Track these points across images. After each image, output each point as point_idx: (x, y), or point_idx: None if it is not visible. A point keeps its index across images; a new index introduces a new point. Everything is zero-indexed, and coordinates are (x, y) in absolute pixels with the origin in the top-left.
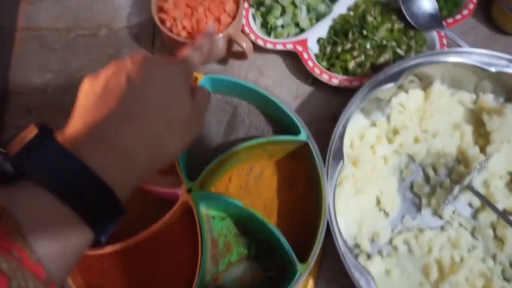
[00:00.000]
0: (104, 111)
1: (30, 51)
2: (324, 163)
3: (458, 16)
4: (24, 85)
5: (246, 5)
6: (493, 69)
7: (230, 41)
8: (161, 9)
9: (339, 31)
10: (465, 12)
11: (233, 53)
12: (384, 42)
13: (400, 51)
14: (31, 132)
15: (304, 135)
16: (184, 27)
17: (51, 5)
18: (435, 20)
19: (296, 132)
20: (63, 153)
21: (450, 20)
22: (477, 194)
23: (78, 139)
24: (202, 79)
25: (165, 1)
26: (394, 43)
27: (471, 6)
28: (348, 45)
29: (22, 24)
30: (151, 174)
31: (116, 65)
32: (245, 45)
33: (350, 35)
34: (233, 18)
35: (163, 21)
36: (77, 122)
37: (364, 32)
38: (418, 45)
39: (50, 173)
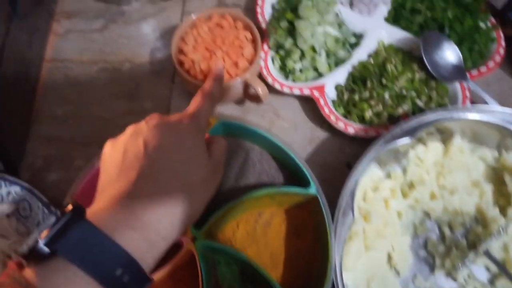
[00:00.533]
0: (125, 183)
1: (55, 82)
2: (333, 217)
3: (483, 68)
4: (47, 115)
5: (265, 47)
6: None
7: (246, 85)
8: (181, 51)
9: (358, 78)
10: (491, 64)
11: (250, 96)
12: (404, 92)
13: (420, 103)
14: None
15: (313, 189)
16: (201, 70)
17: (78, 38)
18: (459, 72)
19: (306, 184)
20: (97, 234)
21: (474, 72)
22: (494, 261)
23: (106, 217)
24: (215, 124)
25: (185, 44)
26: (414, 94)
27: (498, 58)
28: (366, 94)
29: (49, 55)
30: (176, 238)
31: (133, 130)
32: (261, 90)
33: (368, 83)
34: (251, 62)
35: (181, 63)
36: (103, 197)
37: (384, 81)
38: (439, 96)
39: (85, 255)
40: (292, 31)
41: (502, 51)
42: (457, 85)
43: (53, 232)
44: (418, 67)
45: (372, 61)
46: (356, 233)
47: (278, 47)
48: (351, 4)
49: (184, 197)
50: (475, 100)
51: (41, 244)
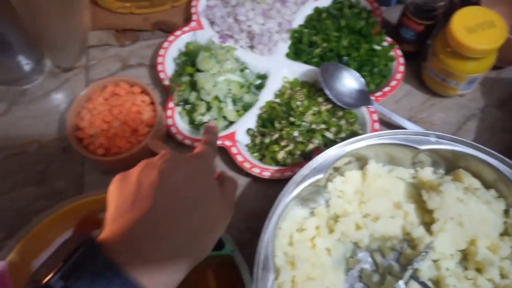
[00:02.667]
0: (140, 212)
1: None
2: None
3: (387, 89)
4: None
5: (171, 104)
6: (422, 147)
7: (150, 150)
8: (77, 127)
9: (266, 120)
10: (394, 83)
11: None
12: (313, 126)
13: (329, 134)
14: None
15: (228, 249)
16: (101, 144)
17: None
18: (363, 97)
19: (221, 246)
20: (111, 268)
21: (378, 94)
22: (422, 284)
23: (119, 249)
24: None
25: (81, 119)
26: (323, 126)
27: (399, 75)
28: (276, 135)
29: None
30: (186, 272)
31: (147, 164)
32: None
33: (276, 124)
34: (151, 126)
35: (80, 139)
36: (115, 226)
37: (291, 119)
38: (348, 124)
39: None
40: (195, 84)
41: (402, 68)
42: (364, 110)
43: (67, 266)
44: (324, 98)
45: (278, 100)
46: (284, 284)
47: (184, 102)
48: (251, 47)
49: (200, 228)
50: (386, 119)
51: (54, 279)
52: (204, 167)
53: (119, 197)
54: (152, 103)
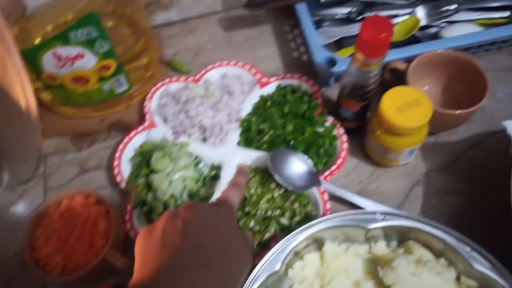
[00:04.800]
0: (168, 256)
1: None
2: None
3: (334, 167)
4: None
5: (129, 207)
6: (371, 226)
7: (107, 262)
8: (33, 248)
9: None
10: (339, 161)
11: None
12: (269, 213)
13: (284, 221)
14: None
15: None
16: (57, 263)
17: None
18: (312, 178)
19: None
20: None
21: (327, 173)
22: None
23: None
24: None
25: (37, 240)
26: (277, 212)
27: (343, 153)
28: None
29: None
30: None
31: (171, 214)
32: (121, 264)
33: None
34: (108, 236)
35: (37, 260)
36: (145, 270)
37: (247, 209)
38: (302, 206)
39: None
40: (151, 185)
41: (345, 145)
42: (315, 191)
43: None
44: (276, 184)
45: None
46: None
47: (141, 204)
48: (204, 139)
49: (225, 272)
50: (339, 195)
51: None
52: (227, 215)
53: (146, 247)
54: (107, 212)
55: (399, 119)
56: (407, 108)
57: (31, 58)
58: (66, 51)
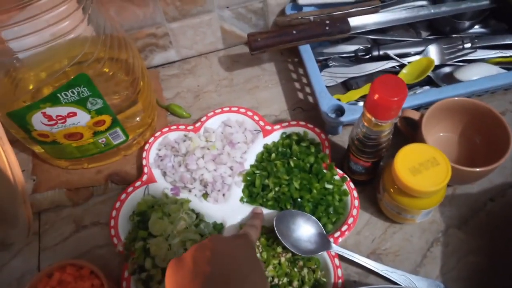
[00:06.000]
0: (200, 281)
1: None
2: None
3: (345, 227)
4: None
5: (126, 274)
6: None
7: None
8: None
9: None
10: (350, 220)
11: None
12: (275, 281)
13: None
14: None
15: None
16: None
17: None
18: (322, 240)
19: None
20: None
21: (337, 235)
22: None
23: None
24: None
25: None
26: (285, 280)
27: (355, 211)
28: None
29: None
30: None
31: (199, 246)
32: None
33: None
34: None
35: None
36: None
37: None
38: (310, 272)
39: None
40: (149, 250)
41: (356, 202)
42: (325, 255)
43: None
44: (283, 246)
45: None
46: None
47: (139, 269)
48: (205, 194)
49: None
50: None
51: None
52: (247, 244)
53: (178, 276)
54: (103, 285)
55: (415, 182)
56: (423, 169)
57: (19, 118)
58: (57, 111)
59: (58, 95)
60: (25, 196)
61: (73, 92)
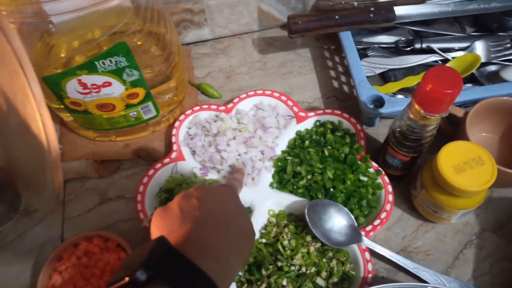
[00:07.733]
0: (191, 226)
1: None
2: None
3: (377, 221)
4: None
5: None
6: None
7: None
8: None
9: (253, 264)
10: (383, 215)
11: None
12: (303, 269)
13: (321, 281)
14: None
15: None
16: None
17: None
18: (353, 233)
19: None
20: (186, 262)
21: (369, 228)
22: None
23: (185, 249)
24: None
25: (53, 286)
26: (313, 270)
27: (388, 206)
28: (263, 285)
29: None
30: (240, 269)
31: (184, 194)
32: None
33: (263, 271)
34: None
35: None
36: (171, 238)
37: (279, 263)
38: (339, 264)
39: (177, 279)
40: None
41: (390, 197)
42: (355, 248)
43: (149, 260)
44: (312, 236)
45: (265, 240)
46: None
47: None
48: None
49: (240, 236)
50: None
51: (139, 272)
52: (231, 191)
53: (164, 222)
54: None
55: (460, 180)
56: (468, 167)
57: (54, 84)
58: (93, 79)
59: (96, 62)
60: (57, 162)
61: (110, 61)
